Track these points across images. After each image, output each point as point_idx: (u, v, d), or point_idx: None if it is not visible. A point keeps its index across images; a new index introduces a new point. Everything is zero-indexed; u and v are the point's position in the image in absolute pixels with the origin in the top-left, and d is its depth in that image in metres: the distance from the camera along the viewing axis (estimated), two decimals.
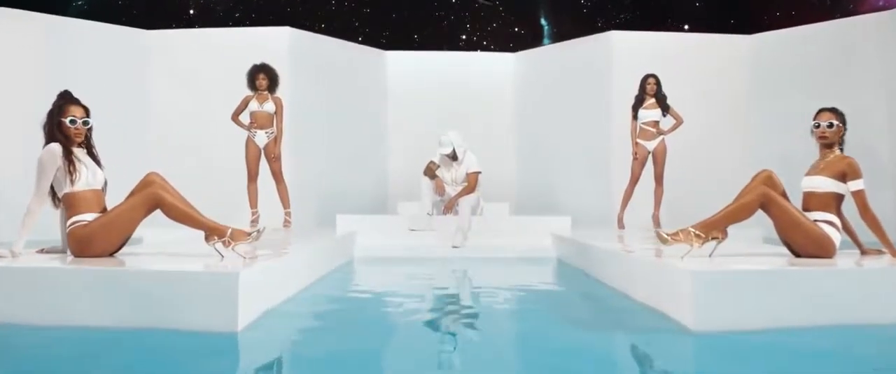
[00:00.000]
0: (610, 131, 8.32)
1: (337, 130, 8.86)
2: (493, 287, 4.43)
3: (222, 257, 3.34)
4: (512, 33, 14.46)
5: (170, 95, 8.33)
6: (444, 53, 10.37)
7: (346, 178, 8.81)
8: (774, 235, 3.63)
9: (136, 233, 3.58)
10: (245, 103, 6.84)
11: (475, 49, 13.19)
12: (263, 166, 6.89)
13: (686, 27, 12.50)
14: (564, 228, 6.36)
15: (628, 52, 8.44)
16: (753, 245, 4.46)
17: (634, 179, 6.95)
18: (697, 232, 3.36)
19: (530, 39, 14.25)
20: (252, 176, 6.90)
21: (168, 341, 2.63)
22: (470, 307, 3.69)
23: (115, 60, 8.15)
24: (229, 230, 3.32)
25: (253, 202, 6.93)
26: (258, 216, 6.92)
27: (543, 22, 14.23)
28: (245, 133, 6.83)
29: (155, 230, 4.84)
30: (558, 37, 10.66)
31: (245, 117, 6.86)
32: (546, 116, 9.26)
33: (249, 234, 3.32)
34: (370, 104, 9.45)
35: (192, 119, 8.21)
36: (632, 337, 2.88)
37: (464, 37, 14.34)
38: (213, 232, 3.35)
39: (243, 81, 6.82)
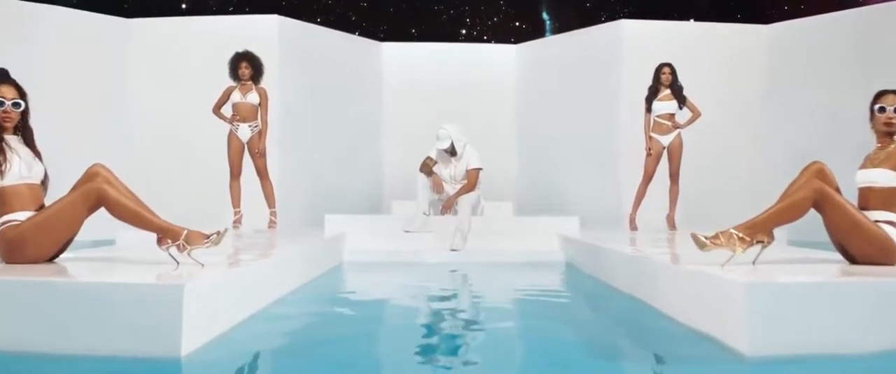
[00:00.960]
0: (619, 126, 7.81)
1: (329, 125, 8.34)
2: (497, 297, 3.91)
3: (177, 263, 2.82)
4: (513, 28, 13.99)
5: (151, 87, 7.82)
6: (442, 45, 9.87)
7: (338, 176, 8.28)
8: (797, 236, 3.09)
9: (110, 233, 3.03)
10: (227, 95, 6.34)
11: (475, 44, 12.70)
12: (248, 163, 6.37)
13: (691, 21, 12.04)
14: (572, 229, 5.84)
15: (639, 42, 7.93)
16: (787, 249, 3.92)
17: (648, 177, 6.43)
18: (741, 234, 2.83)
19: (531, 34, 13.76)
20: (234, 173, 6.38)
21: (94, 370, 2.10)
22: (472, 323, 3.16)
23: (94, 50, 7.64)
24: (184, 232, 2.79)
25: (235, 201, 6.41)
26: (241, 216, 6.40)
27: (545, 17, 13.75)
28: (228, 127, 6.31)
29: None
30: (560, 32, 10.16)
31: (227, 110, 6.34)
32: (550, 111, 8.75)
33: (208, 237, 2.79)
34: (364, 98, 8.94)
35: (176, 112, 7.70)
36: (673, 367, 2.35)
37: (464, 32, 13.87)
38: (165, 234, 2.82)
39: (227, 71, 6.33)
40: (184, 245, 2.77)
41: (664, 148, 6.39)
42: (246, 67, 6.28)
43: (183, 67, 7.75)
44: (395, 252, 5.38)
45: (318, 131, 8.22)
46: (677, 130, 6.36)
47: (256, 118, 6.32)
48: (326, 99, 8.33)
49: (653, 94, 6.43)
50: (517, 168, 9.02)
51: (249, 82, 6.31)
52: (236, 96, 6.30)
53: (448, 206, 5.83)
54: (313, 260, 4.45)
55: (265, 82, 6.41)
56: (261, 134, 6.29)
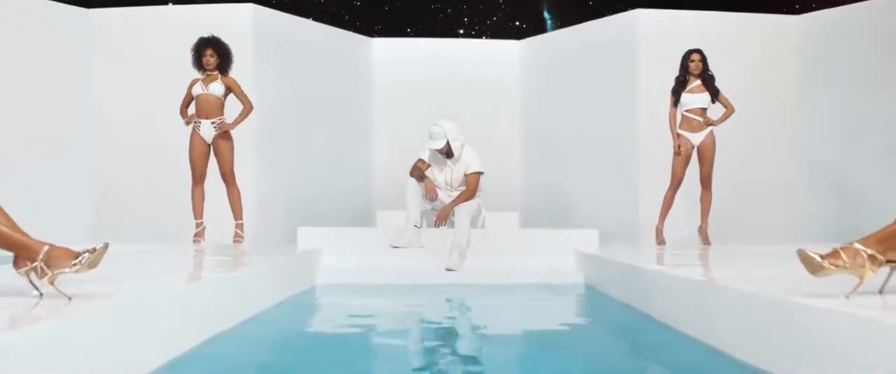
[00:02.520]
0: (636, 126, 6.93)
1: (311, 128, 7.46)
2: (503, 329, 3.05)
3: (40, 294, 1.92)
4: (513, 28, 13.21)
5: (114, 82, 6.92)
6: (438, 41, 8.97)
7: (322, 184, 7.39)
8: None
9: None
10: (191, 89, 5.47)
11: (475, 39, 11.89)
12: (214, 168, 5.49)
13: (712, 11, 11.34)
14: (591, 244, 4.95)
15: (657, 34, 7.07)
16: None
17: (676, 181, 5.53)
18: (871, 252, 1.93)
19: (532, 34, 12.98)
20: (197, 178, 5.49)
21: None
22: (473, 362, 2.26)
23: (52, 42, 6.74)
24: (44, 249, 1.89)
25: (197, 211, 5.52)
26: (203, 229, 5.50)
27: (546, 15, 12.99)
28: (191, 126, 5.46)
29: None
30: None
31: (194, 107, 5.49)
32: (558, 111, 7.89)
33: (78, 256, 1.89)
34: (352, 98, 8.07)
35: (141, 110, 6.80)
36: None
37: (462, 31, 13.07)
38: (20, 252, 1.92)
39: (191, 60, 5.48)
40: (42, 269, 1.87)
41: (693, 147, 5.51)
42: (212, 54, 5.41)
43: (149, 61, 6.86)
44: (379, 272, 4.48)
45: (299, 135, 7.34)
46: (709, 128, 5.49)
47: (222, 113, 5.45)
48: (309, 99, 7.46)
49: (680, 85, 5.56)
50: (522, 174, 8.15)
51: (216, 72, 5.44)
52: (198, 88, 5.44)
53: (443, 217, 4.94)
54: (272, 284, 3.55)
55: (239, 79, 5.55)
56: (234, 124, 5.43)
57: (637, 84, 6.99)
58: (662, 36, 6.98)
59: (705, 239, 5.50)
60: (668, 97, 5.61)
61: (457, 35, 12.89)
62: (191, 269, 3.43)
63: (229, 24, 6.48)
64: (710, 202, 5.56)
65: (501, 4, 12.90)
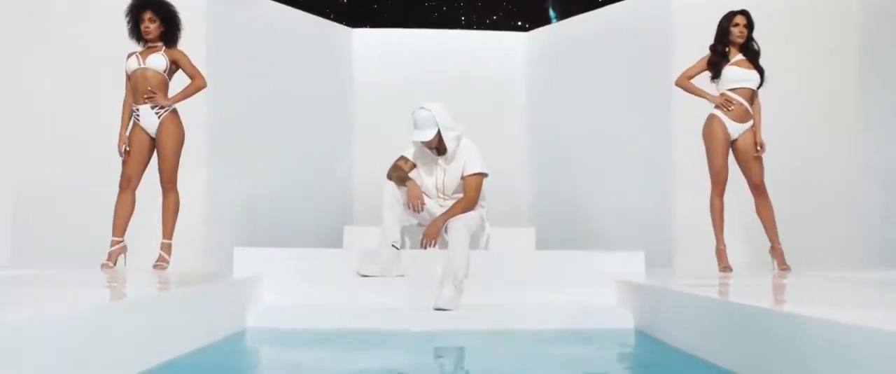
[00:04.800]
0: (670, 127, 5.65)
1: (278, 129, 6.20)
2: None
3: None
4: (515, 28, 12.15)
5: (51, 74, 5.47)
6: (431, 32, 7.80)
7: (288, 194, 6.08)
8: None
9: None
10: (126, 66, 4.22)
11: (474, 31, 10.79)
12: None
13: None
14: (636, 270, 3.62)
15: (695, 17, 5.70)
16: None
17: (721, 182, 4.22)
18: None
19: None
20: (125, 181, 4.19)
21: None
22: None
23: None
24: None
25: (118, 225, 4.20)
26: (122, 248, 4.20)
27: (552, 14, 11.89)
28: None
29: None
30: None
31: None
32: (573, 111, 6.65)
33: None
34: (328, 96, 6.82)
35: (81, 105, 5.37)
36: None
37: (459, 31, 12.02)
38: None
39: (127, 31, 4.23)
40: None
41: (731, 141, 4.22)
42: (151, 18, 4.13)
43: (91, 50, 5.50)
44: (339, 313, 3.14)
45: (263, 138, 6.05)
46: (750, 122, 4.22)
47: (166, 94, 4.16)
48: (277, 97, 6.19)
49: (720, 56, 4.27)
50: (529, 182, 6.86)
51: (159, 43, 4.17)
52: (133, 63, 4.16)
53: (432, 235, 3.62)
54: (172, 329, 2.24)
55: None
56: (176, 96, 4.19)
57: (670, 75, 5.68)
58: (704, 21, 5.68)
59: (782, 262, 4.17)
60: (695, 66, 4.36)
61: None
62: (59, 301, 2.14)
63: (179, 3, 5.18)
64: (772, 213, 4.25)
65: (503, 2, 11.84)
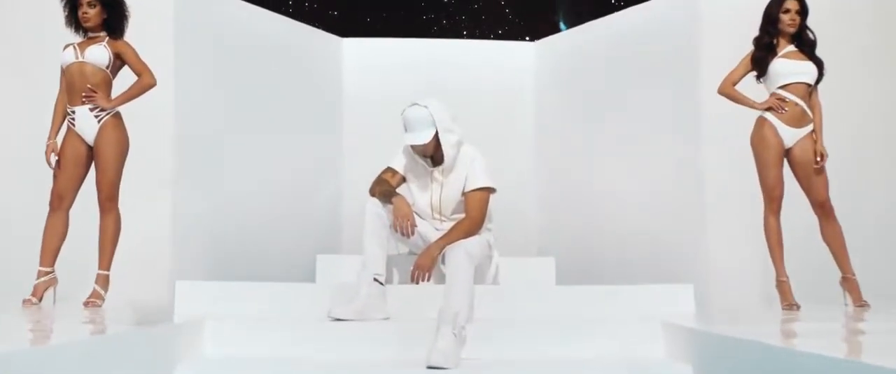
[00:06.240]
0: (699, 138, 4.94)
1: (256, 147, 5.51)
2: None
3: None
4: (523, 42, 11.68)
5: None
6: (429, 42, 7.33)
7: (267, 219, 5.39)
8: None
9: None
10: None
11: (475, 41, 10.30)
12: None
13: None
14: (685, 310, 2.87)
15: (726, 17, 5.04)
16: None
17: (775, 200, 3.47)
18: None
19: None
20: (56, 200, 3.49)
21: None
22: None
23: None
24: None
25: (46, 254, 3.48)
26: (52, 280, 3.48)
27: (563, 26, 11.35)
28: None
29: None
30: None
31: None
32: (587, 126, 5.98)
33: None
34: (315, 111, 6.18)
35: (8, 106, 4.68)
36: None
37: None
38: None
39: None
40: None
41: (786, 151, 3.49)
42: (90, 3, 3.45)
43: (45, 54, 4.81)
44: (303, 370, 2.37)
45: (239, 156, 5.37)
46: (808, 127, 3.50)
47: (108, 95, 3.47)
48: (257, 112, 5.52)
49: (767, 49, 3.53)
50: (539, 207, 6.17)
51: (102, 34, 3.50)
52: (68, 56, 3.48)
53: (426, 265, 2.87)
54: None
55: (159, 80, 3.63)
56: (119, 97, 3.50)
57: (700, 87, 4.95)
58: (734, 22, 4.95)
59: (859, 298, 3.39)
60: (739, 68, 3.63)
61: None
62: None
63: (143, 8, 4.51)
64: (842, 238, 3.49)
65: (508, 15, 11.29)
